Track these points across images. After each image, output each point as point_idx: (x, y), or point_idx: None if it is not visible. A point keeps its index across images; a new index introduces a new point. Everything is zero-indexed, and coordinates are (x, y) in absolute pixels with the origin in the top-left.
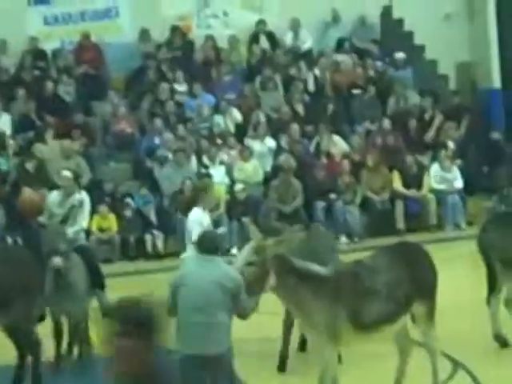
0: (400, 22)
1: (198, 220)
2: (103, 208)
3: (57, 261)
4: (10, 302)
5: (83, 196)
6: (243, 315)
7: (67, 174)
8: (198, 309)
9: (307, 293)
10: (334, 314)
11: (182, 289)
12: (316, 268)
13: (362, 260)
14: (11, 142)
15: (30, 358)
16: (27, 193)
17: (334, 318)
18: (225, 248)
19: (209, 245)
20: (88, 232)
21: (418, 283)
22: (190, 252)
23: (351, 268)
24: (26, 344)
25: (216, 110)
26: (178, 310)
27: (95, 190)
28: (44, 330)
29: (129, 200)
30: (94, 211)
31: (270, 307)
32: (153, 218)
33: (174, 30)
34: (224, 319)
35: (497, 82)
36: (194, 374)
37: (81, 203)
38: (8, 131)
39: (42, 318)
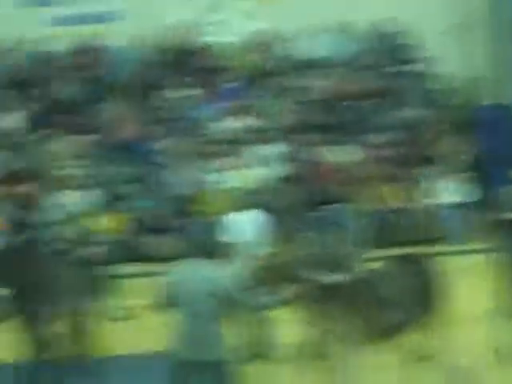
0: (408, 33)
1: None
2: (111, 208)
3: (83, 251)
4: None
5: (90, 194)
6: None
7: (72, 170)
8: (190, 316)
9: None
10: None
11: (176, 294)
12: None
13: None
14: (22, 139)
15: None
16: None
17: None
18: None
19: (205, 249)
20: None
21: (426, 294)
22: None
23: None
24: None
25: (218, 116)
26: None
27: (103, 190)
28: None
29: (129, 202)
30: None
31: None
32: (154, 221)
33: (178, 35)
34: (215, 328)
35: (507, 97)
36: (188, 379)
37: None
38: (19, 128)
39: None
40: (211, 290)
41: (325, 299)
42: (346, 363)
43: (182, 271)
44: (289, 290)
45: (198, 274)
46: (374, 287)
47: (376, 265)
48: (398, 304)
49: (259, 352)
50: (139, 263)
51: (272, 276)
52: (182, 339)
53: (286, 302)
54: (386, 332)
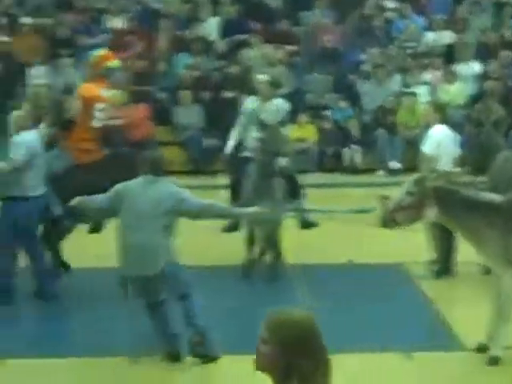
0: None
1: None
2: (303, 118)
3: (282, 161)
4: None
5: (280, 103)
6: (200, 217)
7: (263, 76)
8: (134, 230)
9: (478, 222)
10: (505, 245)
11: (122, 207)
12: (489, 196)
13: None
14: (217, 45)
15: None
16: None
17: (506, 248)
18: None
19: (156, 165)
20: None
21: None
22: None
23: None
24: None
25: (424, 30)
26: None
27: (296, 99)
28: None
29: (328, 112)
30: (293, 121)
31: None
32: (354, 132)
33: None
34: (160, 240)
35: None
36: (135, 291)
37: (279, 109)
38: (213, 34)
39: (236, 227)
40: (159, 202)
41: None
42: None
43: (133, 186)
44: None
45: (147, 190)
46: None
47: None
48: None
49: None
50: (334, 174)
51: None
52: (122, 255)
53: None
54: None
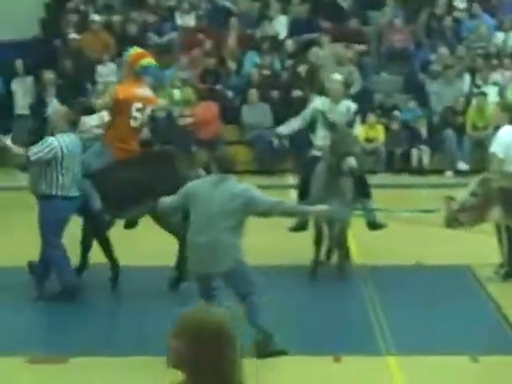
0: None
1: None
2: (371, 118)
3: (352, 161)
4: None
5: (349, 104)
6: (268, 214)
7: (338, 76)
8: (202, 229)
9: None
10: None
11: (191, 206)
12: None
13: None
14: (286, 43)
15: None
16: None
17: None
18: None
19: (225, 164)
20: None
21: None
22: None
23: None
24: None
25: (494, 30)
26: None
27: (365, 99)
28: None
29: (397, 112)
30: (362, 121)
31: None
32: (423, 132)
33: None
34: (228, 239)
35: None
36: (205, 287)
37: (348, 110)
38: (283, 33)
39: (304, 226)
40: (228, 202)
41: None
42: None
43: (202, 184)
44: None
45: (216, 188)
46: None
47: None
48: None
49: None
50: (402, 174)
51: None
52: (191, 254)
53: None
54: None
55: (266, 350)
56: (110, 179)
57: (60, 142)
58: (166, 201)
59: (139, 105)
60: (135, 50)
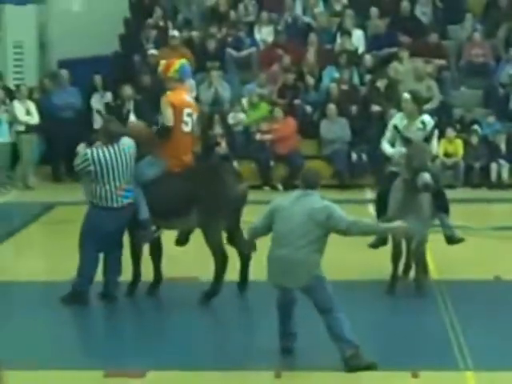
0: None
1: None
2: (451, 133)
3: (426, 176)
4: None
5: (426, 119)
6: (347, 233)
7: (406, 96)
8: (282, 243)
9: None
10: None
11: (274, 221)
12: None
13: None
14: (365, 58)
15: None
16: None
17: None
18: None
19: (309, 180)
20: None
21: None
22: None
23: None
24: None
25: None
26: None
27: (444, 114)
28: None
29: (476, 127)
30: (441, 135)
31: None
32: (502, 147)
33: None
34: (307, 256)
35: None
36: (284, 298)
37: (425, 125)
38: (361, 48)
39: (384, 242)
40: (310, 217)
41: None
42: None
43: (287, 199)
44: None
45: (299, 203)
46: None
47: None
48: None
49: None
50: (481, 189)
51: None
52: (269, 266)
53: None
54: None
55: (356, 364)
56: (160, 191)
57: (94, 154)
58: (256, 224)
59: (189, 110)
60: (161, 65)
